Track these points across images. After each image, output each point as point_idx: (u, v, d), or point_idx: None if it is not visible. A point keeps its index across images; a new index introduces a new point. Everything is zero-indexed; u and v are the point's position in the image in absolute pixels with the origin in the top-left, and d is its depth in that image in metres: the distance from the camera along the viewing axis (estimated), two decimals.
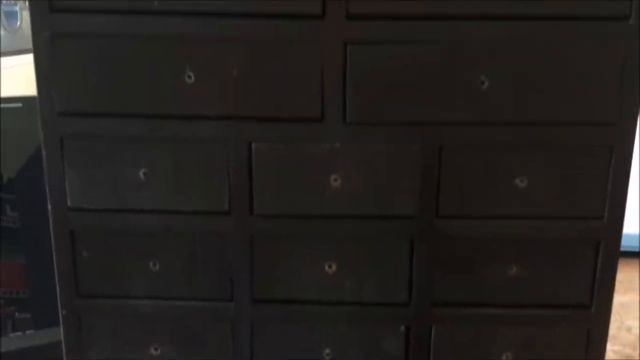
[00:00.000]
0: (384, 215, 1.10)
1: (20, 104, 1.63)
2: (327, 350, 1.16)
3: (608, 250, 1.09)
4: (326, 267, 1.12)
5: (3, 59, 2.01)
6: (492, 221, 1.09)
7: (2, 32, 2.15)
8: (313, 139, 1.06)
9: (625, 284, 2.67)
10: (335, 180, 1.07)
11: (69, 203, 1.10)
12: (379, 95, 1.04)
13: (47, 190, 1.09)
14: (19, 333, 1.69)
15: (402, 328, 1.15)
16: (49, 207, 1.10)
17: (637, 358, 2.10)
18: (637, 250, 2.75)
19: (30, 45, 1.03)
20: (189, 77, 1.04)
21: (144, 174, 1.08)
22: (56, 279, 1.13)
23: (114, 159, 1.08)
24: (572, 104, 1.03)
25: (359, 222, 1.10)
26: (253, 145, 1.07)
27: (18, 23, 2.24)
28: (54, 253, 1.12)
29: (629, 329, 2.29)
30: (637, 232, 2.68)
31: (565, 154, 1.06)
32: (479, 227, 1.09)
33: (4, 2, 2.19)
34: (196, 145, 1.07)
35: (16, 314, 1.69)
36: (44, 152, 1.08)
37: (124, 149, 1.08)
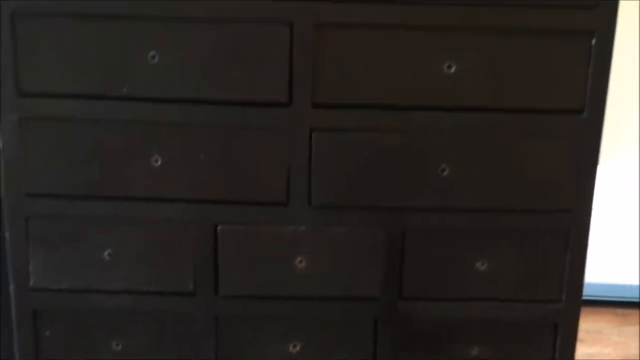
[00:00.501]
0: (349, 297, 1.11)
1: None
2: None
3: (566, 331, 1.12)
4: (291, 347, 1.13)
5: None
6: (454, 303, 1.11)
7: None
8: (278, 222, 1.07)
9: (594, 334, 2.70)
10: (301, 262, 1.09)
11: (32, 283, 1.09)
12: (343, 180, 1.06)
13: (10, 270, 1.08)
14: None
15: None
16: (11, 287, 1.09)
17: None
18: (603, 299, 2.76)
19: None
20: (156, 160, 1.05)
21: (109, 254, 1.08)
22: (17, 359, 1.12)
23: (79, 240, 1.08)
24: (530, 190, 1.06)
25: (324, 303, 1.11)
26: (219, 228, 1.08)
27: None
28: (15, 332, 1.11)
29: None
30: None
31: (524, 239, 1.09)
32: (441, 308, 1.11)
33: None
34: (162, 226, 1.08)
35: None
36: (8, 233, 1.07)
37: (89, 230, 1.08)
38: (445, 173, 1.05)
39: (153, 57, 1.01)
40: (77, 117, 1.03)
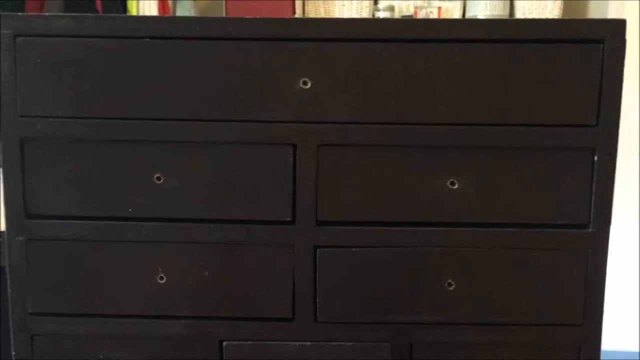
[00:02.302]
0: None
1: None
2: None
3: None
4: None
5: None
6: None
7: None
8: (284, 337, 1.07)
9: None
10: None
11: None
12: (349, 296, 1.05)
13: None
14: None
15: None
16: None
17: None
18: None
19: None
20: (161, 278, 1.05)
21: None
22: None
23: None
24: (539, 304, 1.05)
25: None
26: (224, 344, 1.07)
27: None
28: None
29: None
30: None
31: (537, 352, 1.07)
32: None
33: None
34: (166, 344, 1.07)
35: None
36: (13, 351, 1.07)
37: (94, 347, 1.07)
38: (452, 288, 1.04)
39: (158, 178, 1.02)
40: (83, 238, 1.04)
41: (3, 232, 1.08)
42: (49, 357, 1.08)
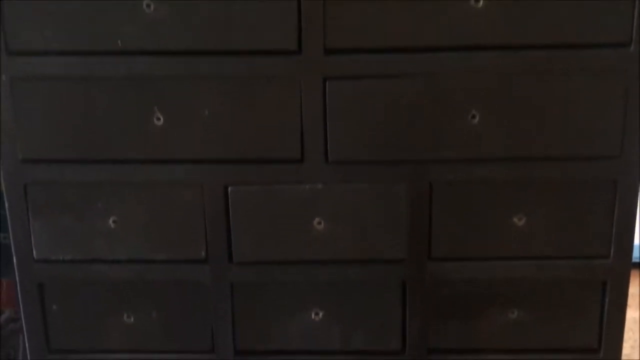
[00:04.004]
0: (372, 259, 1.02)
1: None
2: None
3: (615, 290, 1.02)
4: (312, 315, 1.05)
5: None
6: (488, 262, 1.01)
7: None
8: (293, 180, 0.99)
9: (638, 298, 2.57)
10: (319, 223, 1.00)
11: (35, 255, 1.03)
12: (362, 133, 0.96)
13: (12, 242, 1.02)
14: None
15: None
16: (14, 260, 1.03)
17: None
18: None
19: None
20: (158, 119, 0.97)
21: (114, 222, 1.01)
22: (25, 335, 1.06)
23: (82, 208, 1.01)
24: (570, 135, 0.96)
25: (346, 267, 1.02)
26: (229, 189, 0.99)
27: None
28: (21, 308, 1.05)
29: None
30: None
31: (565, 190, 0.98)
32: (474, 268, 1.02)
33: None
34: (169, 190, 1.00)
35: None
36: (6, 202, 1.01)
37: (92, 196, 1.01)
38: (476, 120, 0.95)
39: (148, 5, 0.92)
40: (71, 75, 0.95)
41: None
42: (43, 207, 1.01)
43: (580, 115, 0.94)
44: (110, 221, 1.01)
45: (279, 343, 1.07)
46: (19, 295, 1.04)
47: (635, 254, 2.62)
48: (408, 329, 1.05)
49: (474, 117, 0.95)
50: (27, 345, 1.07)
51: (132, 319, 1.06)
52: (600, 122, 0.95)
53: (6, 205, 1.01)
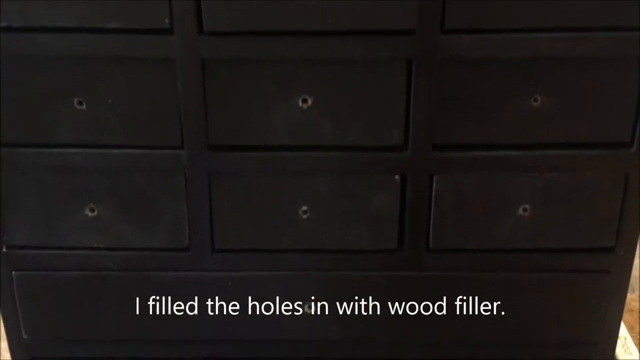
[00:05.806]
0: (375, 31, 0.84)
1: None
2: (304, 208, 0.95)
3: None
4: (300, 102, 0.88)
5: None
6: (511, 35, 0.84)
7: None
8: None
9: None
10: None
11: None
12: None
13: None
14: None
15: (397, 177, 0.93)
16: None
17: None
18: None
19: None
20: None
21: None
22: None
23: None
24: None
25: (342, 41, 0.85)
26: None
27: None
28: None
29: None
30: None
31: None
32: (496, 43, 0.85)
33: None
34: None
35: None
36: None
37: None
38: None
39: None
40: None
41: None
42: None
43: None
44: None
45: (258, 137, 0.91)
46: None
47: None
48: (412, 119, 0.89)
49: None
50: None
51: (84, 106, 0.89)
52: None
53: None
